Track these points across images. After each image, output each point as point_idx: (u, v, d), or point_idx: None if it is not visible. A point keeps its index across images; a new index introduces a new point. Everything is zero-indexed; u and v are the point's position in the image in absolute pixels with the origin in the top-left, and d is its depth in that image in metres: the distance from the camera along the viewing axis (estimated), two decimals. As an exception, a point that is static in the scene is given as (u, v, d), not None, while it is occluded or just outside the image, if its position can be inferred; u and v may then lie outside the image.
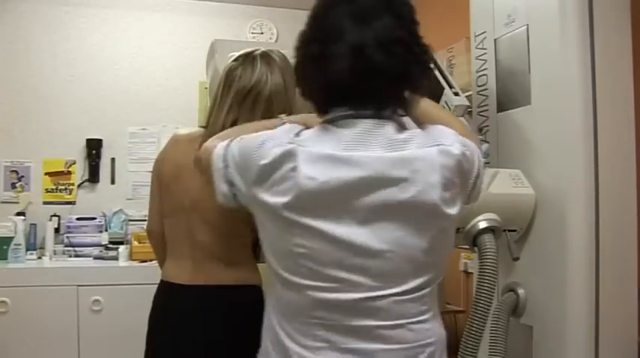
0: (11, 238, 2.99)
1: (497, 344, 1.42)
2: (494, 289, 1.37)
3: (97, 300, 2.87)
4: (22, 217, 3.17)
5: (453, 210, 1.01)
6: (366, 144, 1.00)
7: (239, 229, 1.47)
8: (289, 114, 1.47)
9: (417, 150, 1.00)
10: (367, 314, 1.00)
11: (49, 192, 3.40)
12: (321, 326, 1.01)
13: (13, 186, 3.35)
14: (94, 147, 3.43)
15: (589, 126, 1.40)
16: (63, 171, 3.42)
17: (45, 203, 3.38)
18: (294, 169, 0.98)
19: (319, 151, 0.99)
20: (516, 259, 1.47)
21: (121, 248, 3.16)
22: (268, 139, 1.03)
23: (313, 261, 0.99)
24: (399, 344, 1.01)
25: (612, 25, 1.44)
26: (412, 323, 1.02)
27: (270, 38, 3.70)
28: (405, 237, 0.99)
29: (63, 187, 3.42)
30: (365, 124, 1.02)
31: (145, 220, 3.37)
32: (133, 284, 2.88)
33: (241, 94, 1.46)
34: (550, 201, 1.43)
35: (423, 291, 1.03)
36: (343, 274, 0.99)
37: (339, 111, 1.05)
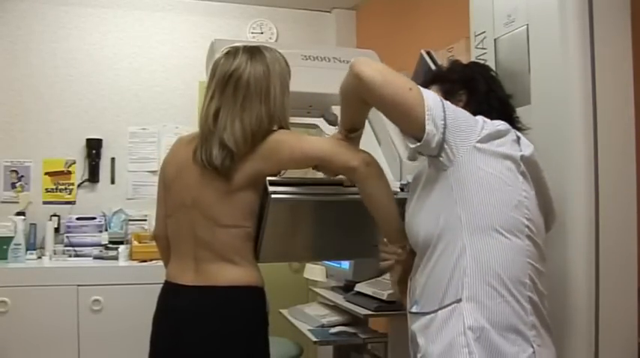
0: (11, 238, 2.99)
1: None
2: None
3: (97, 300, 2.86)
4: (22, 217, 3.17)
5: None
6: None
7: (240, 219, 1.47)
8: (273, 105, 1.47)
9: None
10: None
11: (49, 191, 3.40)
12: None
13: (13, 185, 3.35)
14: (93, 147, 3.43)
15: (589, 126, 1.40)
16: (63, 171, 3.42)
17: (45, 203, 3.38)
18: None
19: None
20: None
21: (121, 248, 3.16)
22: None
23: None
24: None
25: (612, 25, 1.44)
26: None
27: (270, 38, 3.70)
28: None
29: (63, 187, 3.42)
30: None
31: (145, 220, 3.41)
32: (133, 284, 2.88)
33: (222, 80, 1.48)
34: (550, 201, 1.43)
35: None
36: None
37: None
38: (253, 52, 1.51)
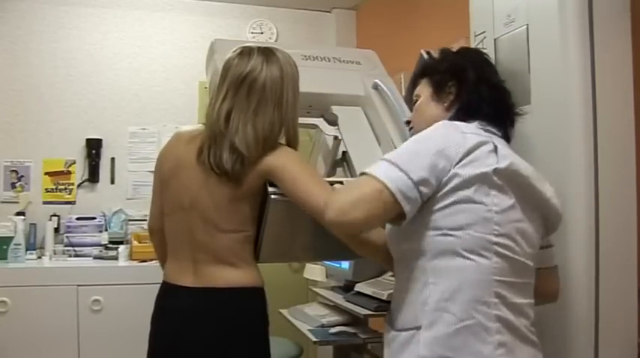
0: (11, 238, 2.99)
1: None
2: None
3: (96, 300, 2.87)
4: (22, 217, 3.17)
5: None
6: None
7: (241, 225, 1.47)
8: (285, 111, 1.46)
9: None
10: None
11: (49, 191, 3.40)
12: None
13: (13, 185, 3.35)
14: (93, 147, 3.43)
15: (589, 126, 1.40)
16: (63, 171, 3.42)
17: (45, 203, 3.38)
18: None
19: None
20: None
21: (121, 248, 3.16)
22: None
23: None
24: None
25: (612, 26, 1.44)
26: None
27: (270, 38, 3.70)
28: None
29: (63, 187, 3.42)
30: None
31: (144, 220, 3.41)
32: (133, 284, 2.88)
33: (236, 82, 1.45)
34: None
35: None
36: None
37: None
38: (267, 53, 1.48)
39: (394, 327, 1.23)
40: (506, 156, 1.17)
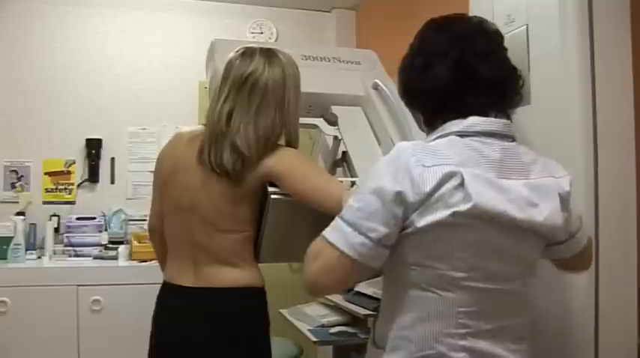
0: (11, 238, 2.99)
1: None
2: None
3: (96, 300, 2.87)
4: (22, 217, 3.17)
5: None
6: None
7: (241, 225, 1.47)
8: (287, 112, 1.47)
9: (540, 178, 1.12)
10: None
11: (49, 191, 3.40)
12: None
13: (13, 185, 3.35)
14: (93, 147, 3.43)
15: (589, 126, 1.40)
16: (63, 171, 3.42)
17: (45, 203, 3.38)
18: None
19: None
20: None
21: (121, 248, 3.16)
22: None
23: None
24: None
25: (612, 25, 1.44)
26: None
27: (270, 38, 3.70)
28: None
29: (63, 187, 3.42)
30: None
31: (144, 220, 3.41)
32: (133, 284, 2.88)
33: (238, 82, 1.45)
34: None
35: None
36: None
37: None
38: (270, 55, 1.48)
39: (370, 338, 1.24)
40: (477, 193, 1.02)
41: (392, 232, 1.06)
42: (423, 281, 1.08)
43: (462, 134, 1.11)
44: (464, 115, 1.12)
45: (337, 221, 1.09)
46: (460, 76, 1.13)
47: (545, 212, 1.08)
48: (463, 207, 1.01)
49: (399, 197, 1.03)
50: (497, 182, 1.06)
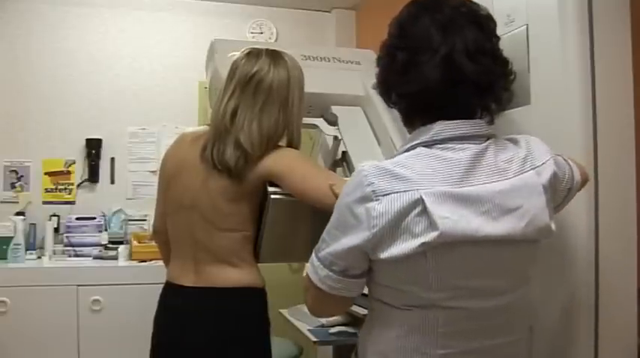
0: (11, 238, 2.99)
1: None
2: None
3: (96, 300, 2.87)
4: (22, 217, 3.17)
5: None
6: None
7: (241, 224, 1.47)
8: (290, 113, 1.47)
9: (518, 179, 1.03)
10: None
11: (49, 191, 3.40)
12: None
13: (13, 185, 3.35)
14: (93, 147, 3.43)
15: (589, 127, 1.40)
16: (62, 171, 3.42)
17: (44, 203, 3.38)
18: None
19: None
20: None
21: (121, 248, 3.16)
22: None
23: None
24: None
25: (612, 25, 1.44)
26: None
27: (270, 38, 3.70)
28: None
29: (62, 187, 3.42)
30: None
31: (144, 220, 3.42)
32: (133, 284, 2.88)
33: (244, 81, 1.46)
34: (550, 201, 1.43)
35: None
36: None
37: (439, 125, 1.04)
38: (275, 56, 1.50)
39: (354, 351, 1.22)
40: (442, 219, 0.94)
41: (357, 265, 1.05)
42: (399, 301, 1.05)
43: (428, 144, 1.03)
44: (446, 117, 1.04)
45: (312, 255, 1.11)
46: (449, 76, 1.02)
47: (527, 215, 1.01)
48: (430, 237, 0.94)
49: (358, 247, 1.00)
50: (465, 195, 0.97)
